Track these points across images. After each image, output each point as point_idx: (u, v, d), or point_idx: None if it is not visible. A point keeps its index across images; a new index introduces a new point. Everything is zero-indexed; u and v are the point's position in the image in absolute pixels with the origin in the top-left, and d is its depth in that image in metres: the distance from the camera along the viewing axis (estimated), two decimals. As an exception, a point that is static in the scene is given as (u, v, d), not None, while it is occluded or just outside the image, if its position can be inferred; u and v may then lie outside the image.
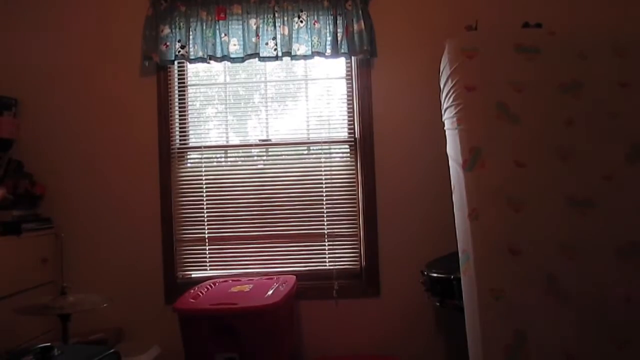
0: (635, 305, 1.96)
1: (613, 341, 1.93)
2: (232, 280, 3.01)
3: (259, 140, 3.24)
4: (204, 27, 3.07)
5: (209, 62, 3.10)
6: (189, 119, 3.27)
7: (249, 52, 3.06)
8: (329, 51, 3.05)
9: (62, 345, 2.16)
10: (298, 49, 3.05)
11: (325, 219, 3.19)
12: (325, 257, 3.19)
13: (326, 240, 3.19)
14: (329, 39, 3.06)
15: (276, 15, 3.06)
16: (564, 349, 1.92)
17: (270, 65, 3.22)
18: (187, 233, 3.22)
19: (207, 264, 3.22)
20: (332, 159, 3.21)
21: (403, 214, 3.12)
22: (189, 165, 3.25)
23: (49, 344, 1.94)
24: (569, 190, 2.15)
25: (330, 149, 3.22)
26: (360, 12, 3.04)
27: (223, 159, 3.26)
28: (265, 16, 3.07)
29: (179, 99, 3.28)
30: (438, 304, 2.56)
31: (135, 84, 3.20)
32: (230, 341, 2.36)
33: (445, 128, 2.43)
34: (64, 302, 2.32)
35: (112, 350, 2.05)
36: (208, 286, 2.85)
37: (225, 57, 3.07)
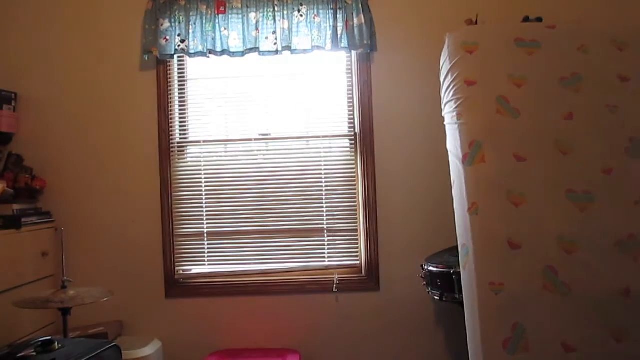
0: (634, 298, 1.97)
1: (612, 334, 1.94)
2: None
3: (259, 134, 3.24)
4: (204, 21, 3.06)
5: (208, 57, 3.10)
6: (189, 113, 3.27)
7: (249, 46, 3.05)
8: (329, 45, 3.05)
9: (63, 339, 2.17)
10: (298, 43, 3.05)
11: (324, 213, 3.19)
12: (324, 252, 3.19)
13: (325, 235, 3.19)
14: (329, 33, 3.05)
15: (276, 9, 3.05)
16: (564, 342, 1.93)
17: (271, 59, 3.21)
18: (186, 228, 3.22)
19: (206, 259, 3.22)
20: (332, 154, 3.21)
21: (403, 208, 3.13)
22: (188, 159, 3.25)
23: (49, 337, 1.95)
24: (568, 184, 2.15)
25: (330, 143, 3.22)
26: (361, 6, 3.03)
27: (223, 153, 3.26)
28: (265, 10, 3.06)
29: (179, 93, 3.27)
30: (438, 298, 2.57)
31: (135, 78, 3.19)
32: None
33: (445, 122, 2.43)
34: (64, 296, 2.33)
35: (112, 344, 2.07)
36: None
37: (225, 52, 3.06)
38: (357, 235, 3.19)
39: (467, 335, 2.06)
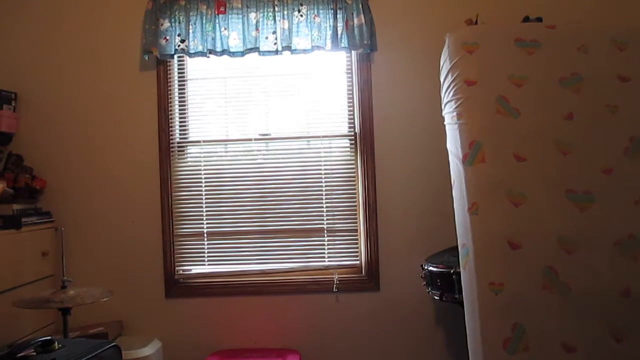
0: (634, 298, 1.97)
1: (612, 334, 1.94)
2: None
3: (259, 134, 3.24)
4: (204, 21, 3.06)
5: (208, 57, 3.10)
6: (189, 113, 3.27)
7: (249, 46, 3.05)
8: (329, 45, 3.05)
9: (63, 339, 2.17)
10: (298, 43, 3.04)
11: (324, 213, 3.19)
12: (324, 252, 3.19)
13: (325, 235, 3.19)
14: (329, 33, 3.05)
15: (276, 9, 3.05)
16: (563, 342, 1.93)
17: (271, 59, 3.21)
18: (186, 228, 3.22)
19: (206, 259, 3.22)
20: (332, 154, 3.21)
21: (403, 208, 3.12)
22: (188, 159, 3.25)
23: (49, 337, 1.94)
24: (568, 184, 2.15)
25: (330, 143, 3.22)
26: (361, 6, 3.03)
27: (223, 153, 3.26)
28: (265, 10, 3.06)
29: (179, 93, 3.27)
30: (438, 298, 2.57)
31: (135, 78, 3.19)
32: None
33: (445, 122, 2.43)
34: (64, 296, 2.33)
35: (112, 344, 2.06)
36: None
37: (225, 52, 3.06)
38: (357, 235, 3.19)
39: (467, 335, 2.06)
